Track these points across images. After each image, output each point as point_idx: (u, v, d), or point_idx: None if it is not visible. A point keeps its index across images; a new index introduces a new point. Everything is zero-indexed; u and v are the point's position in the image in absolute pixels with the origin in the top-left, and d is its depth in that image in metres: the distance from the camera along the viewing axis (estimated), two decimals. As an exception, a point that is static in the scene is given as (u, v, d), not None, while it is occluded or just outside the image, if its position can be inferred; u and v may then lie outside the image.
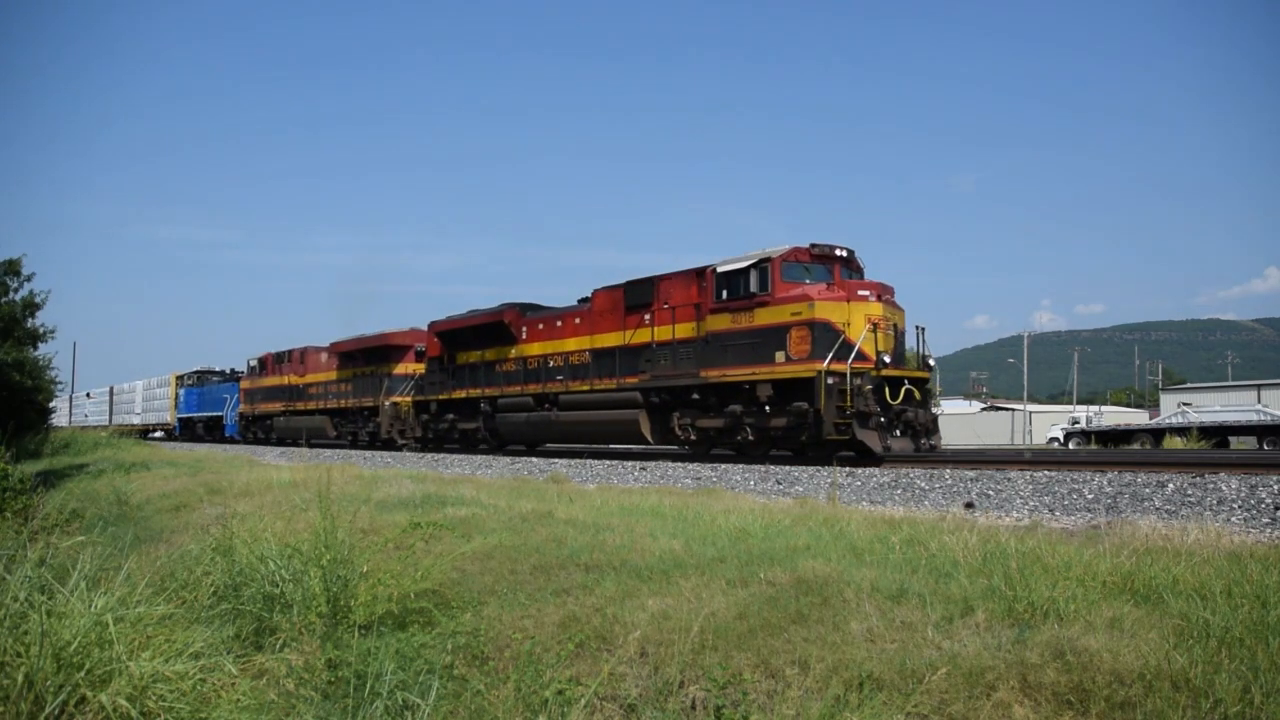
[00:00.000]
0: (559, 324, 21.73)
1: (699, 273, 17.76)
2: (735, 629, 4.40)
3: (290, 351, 36.87)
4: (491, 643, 4.58)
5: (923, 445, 15.76)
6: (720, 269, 17.14)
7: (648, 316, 18.85)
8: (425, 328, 28.13)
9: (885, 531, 6.66)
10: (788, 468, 14.76)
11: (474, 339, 24.49)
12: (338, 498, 7.13)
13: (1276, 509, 8.40)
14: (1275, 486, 9.40)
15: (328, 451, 30.09)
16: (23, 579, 4.23)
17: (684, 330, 17.87)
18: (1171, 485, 10.06)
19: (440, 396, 25.97)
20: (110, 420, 65.27)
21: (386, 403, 29.18)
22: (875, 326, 15.42)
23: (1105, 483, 10.61)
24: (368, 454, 27.10)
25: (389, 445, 29.32)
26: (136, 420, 60.12)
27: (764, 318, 16.30)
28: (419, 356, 28.70)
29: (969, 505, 9.83)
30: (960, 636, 4.03)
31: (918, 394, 15.96)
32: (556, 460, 20.09)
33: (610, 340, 19.84)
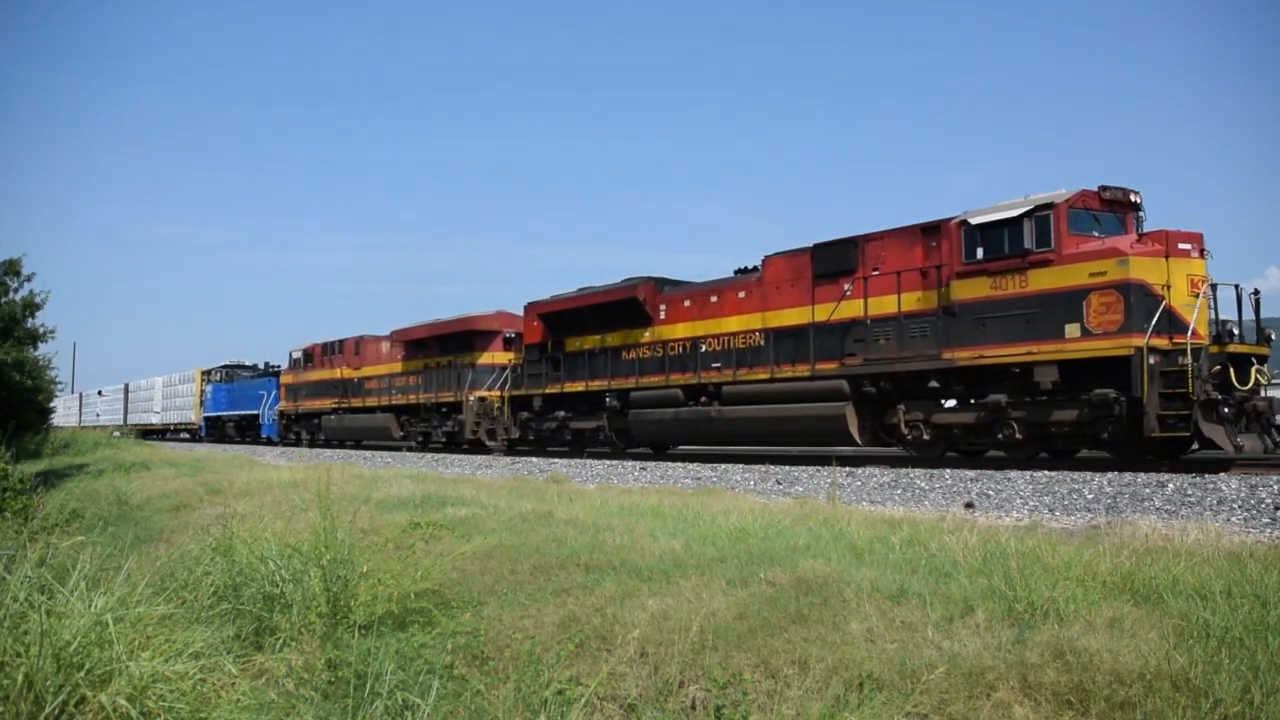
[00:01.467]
0: (713, 300, 17.97)
1: (930, 229, 14.43)
2: (735, 629, 4.39)
3: (342, 341, 32.06)
4: (491, 643, 4.59)
5: (1269, 442, 12.35)
6: (974, 220, 13.68)
7: (849, 286, 15.28)
8: (511, 310, 25.02)
9: (885, 531, 6.66)
10: (787, 468, 14.75)
11: (592, 321, 20.54)
12: (338, 498, 7.13)
13: (1276, 509, 8.39)
14: (1275, 486, 9.40)
15: (327, 452, 30.03)
16: (23, 579, 4.23)
17: (912, 301, 14.43)
18: (1171, 485, 10.06)
19: (545, 390, 21.76)
20: (125, 419, 61.20)
21: (471, 398, 24.45)
22: (1201, 290, 12.23)
23: (1105, 483, 10.61)
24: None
25: (476, 448, 25.14)
26: (155, 419, 55.92)
27: (1045, 281, 12.80)
28: (508, 344, 24.91)
29: (969, 505, 9.82)
30: (960, 636, 4.03)
31: (1265, 377, 12.73)
32: (557, 460, 20.08)
33: (793, 317, 16.27)
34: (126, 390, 63.19)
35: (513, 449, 23.66)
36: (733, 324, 17.46)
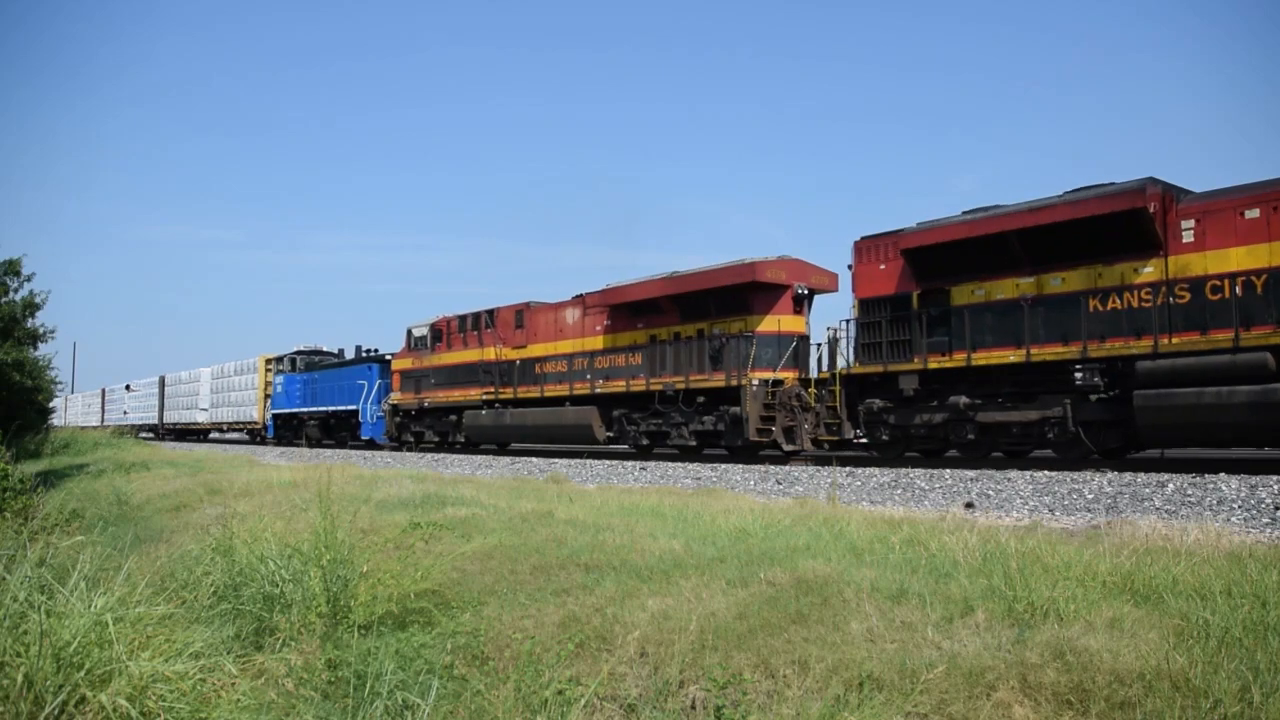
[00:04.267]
0: None
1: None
2: (735, 629, 4.40)
3: (493, 312, 23.91)
4: (491, 643, 4.59)
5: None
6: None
7: None
8: (794, 256, 17.89)
9: (885, 531, 6.66)
10: (787, 468, 14.75)
11: (1021, 253, 13.61)
12: (338, 498, 7.14)
13: (1276, 509, 8.40)
14: (1275, 486, 9.40)
15: (327, 452, 29.86)
16: (23, 579, 4.23)
17: None
18: (1171, 485, 10.07)
19: (917, 365, 14.60)
20: (160, 418, 53.30)
21: (753, 381, 16.71)
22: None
23: (1105, 483, 10.61)
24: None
25: (776, 455, 17.59)
26: (202, 418, 47.26)
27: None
28: (798, 303, 17.84)
29: (969, 505, 9.83)
30: (960, 636, 4.03)
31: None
32: (557, 460, 20.08)
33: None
34: (162, 384, 54.30)
35: (888, 454, 15.44)
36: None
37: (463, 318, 25.32)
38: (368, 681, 3.79)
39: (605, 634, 4.57)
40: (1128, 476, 10.98)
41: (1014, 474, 11.99)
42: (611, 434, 20.31)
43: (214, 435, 49.74)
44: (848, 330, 16.04)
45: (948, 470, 12.90)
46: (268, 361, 40.41)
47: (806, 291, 18.04)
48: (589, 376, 20.57)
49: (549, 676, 3.81)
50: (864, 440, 16.10)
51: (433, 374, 26.10)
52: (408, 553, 5.75)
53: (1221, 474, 10.65)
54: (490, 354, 23.78)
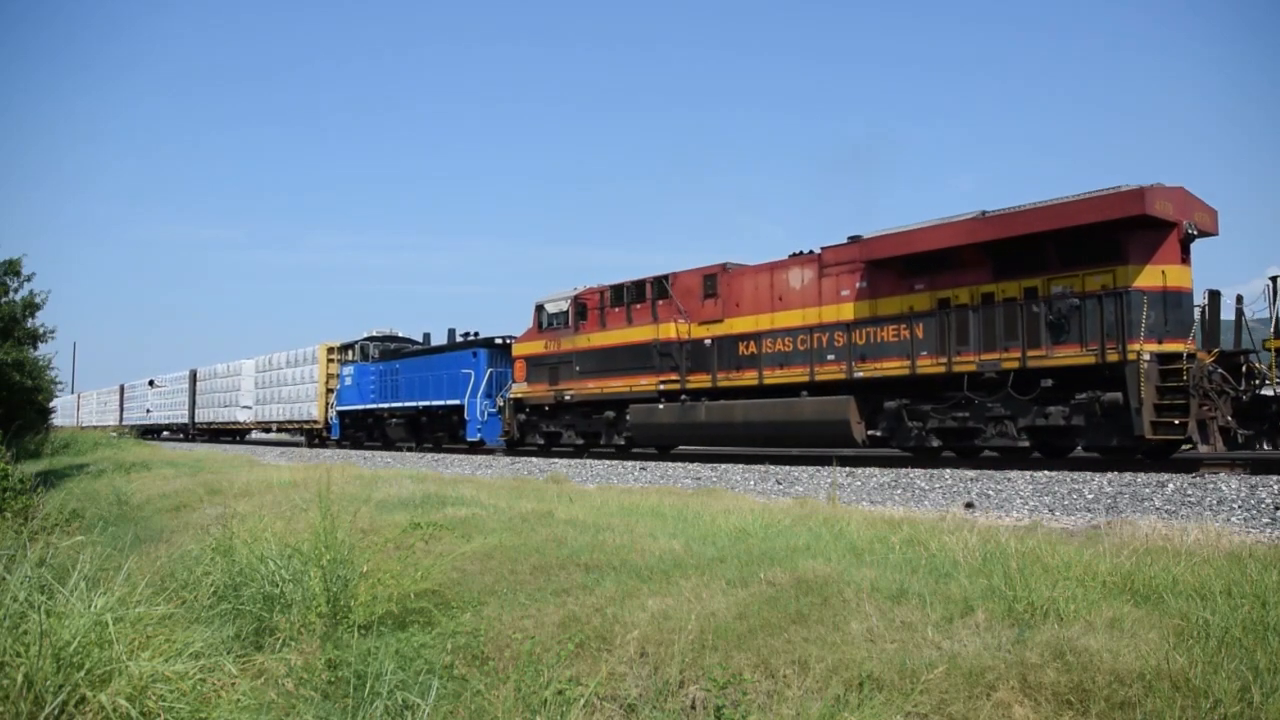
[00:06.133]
0: None
1: None
2: (735, 629, 4.40)
3: (665, 279, 18.89)
4: (491, 643, 4.59)
5: None
6: None
7: None
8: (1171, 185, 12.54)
9: (885, 531, 6.66)
10: (787, 468, 14.75)
11: None
12: (338, 498, 7.14)
13: (1276, 509, 8.40)
14: (1275, 486, 9.40)
15: (327, 452, 29.76)
16: (23, 579, 4.22)
17: None
18: (1171, 485, 10.06)
19: None
20: (191, 417, 48.54)
21: (1143, 356, 11.79)
22: None
23: (1105, 483, 10.61)
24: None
25: (1181, 460, 12.71)
26: (244, 416, 41.95)
27: None
28: (1185, 248, 12.93)
29: (969, 505, 9.83)
30: (960, 636, 4.03)
31: None
32: (557, 460, 20.07)
33: None
34: (193, 379, 48.82)
35: None
36: None
37: (618, 288, 20.02)
38: (368, 681, 3.79)
39: (605, 634, 4.57)
40: (1128, 476, 10.97)
41: (1014, 474, 11.99)
42: (878, 432, 15.16)
43: (256, 436, 44.54)
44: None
45: (948, 470, 12.90)
46: (330, 350, 34.56)
47: (1195, 233, 12.97)
48: (832, 357, 15.40)
49: (549, 676, 3.81)
50: None
51: (577, 359, 20.61)
52: (408, 553, 5.75)
53: (1221, 474, 10.65)
54: (669, 331, 18.40)
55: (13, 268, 23.17)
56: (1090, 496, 9.88)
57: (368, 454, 26.83)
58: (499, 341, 25.37)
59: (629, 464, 17.88)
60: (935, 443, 14.44)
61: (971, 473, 12.43)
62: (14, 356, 23.20)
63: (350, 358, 32.67)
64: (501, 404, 23.55)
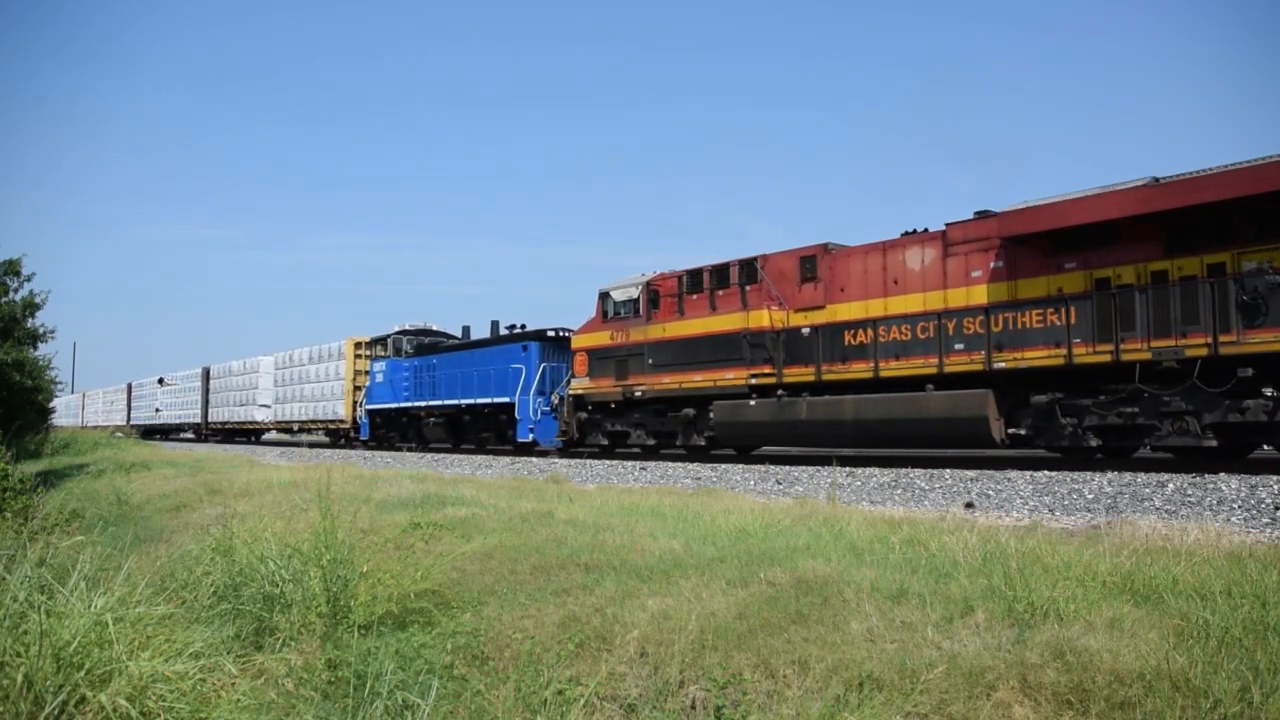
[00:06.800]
0: None
1: None
2: (735, 629, 4.40)
3: (753, 262, 17.11)
4: (491, 643, 4.59)
5: None
6: None
7: None
8: None
9: (885, 531, 6.67)
10: (787, 468, 14.74)
11: None
12: (338, 498, 7.14)
13: (1276, 509, 8.40)
14: (1275, 486, 9.40)
15: (327, 452, 29.78)
16: (23, 579, 4.23)
17: None
18: (1171, 485, 10.06)
19: None
20: (204, 416, 46.87)
21: None
22: None
23: (1105, 483, 10.61)
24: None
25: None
26: (263, 415, 39.92)
27: None
28: None
29: (969, 505, 9.83)
30: (960, 636, 4.03)
31: None
32: (556, 460, 20.07)
33: None
34: (206, 377, 46.93)
35: None
36: None
37: (697, 272, 18.23)
38: (368, 681, 3.79)
39: (605, 634, 4.57)
40: (1128, 476, 10.97)
41: (1014, 474, 11.99)
42: (1021, 430, 13.52)
43: (271, 437, 42.41)
44: None
45: (948, 470, 12.90)
46: (358, 345, 32.60)
47: None
48: (962, 346, 13.75)
49: (549, 676, 3.81)
50: None
51: (650, 351, 18.70)
52: (408, 553, 5.75)
53: (1221, 474, 10.65)
54: (761, 319, 16.58)
55: (13, 268, 23.19)
56: (1090, 496, 9.89)
57: (367, 454, 26.77)
58: (551, 334, 23.48)
59: (629, 464, 17.88)
60: (1093, 442, 12.77)
61: (971, 473, 12.44)
62: (14, 356, 23.23)
63: (381, 353, 30.41)
64: (557, 401, 21.63)
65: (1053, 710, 3.37)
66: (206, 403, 46.62)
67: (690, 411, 18.06)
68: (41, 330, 25.48)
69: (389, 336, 30.18)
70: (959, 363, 13.78)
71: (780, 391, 16.22)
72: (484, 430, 25.17)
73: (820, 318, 15.94)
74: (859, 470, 13.64)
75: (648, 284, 19.13)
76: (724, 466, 15.87)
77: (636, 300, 19.38)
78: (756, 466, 15.25)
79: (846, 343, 15.28)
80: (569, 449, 21.36)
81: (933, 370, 14.04)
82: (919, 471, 12.90)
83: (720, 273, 17.77)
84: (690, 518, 7.95)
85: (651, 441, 19.24)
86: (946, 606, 4.41)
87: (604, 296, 20.14)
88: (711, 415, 17.25)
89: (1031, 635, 3.87)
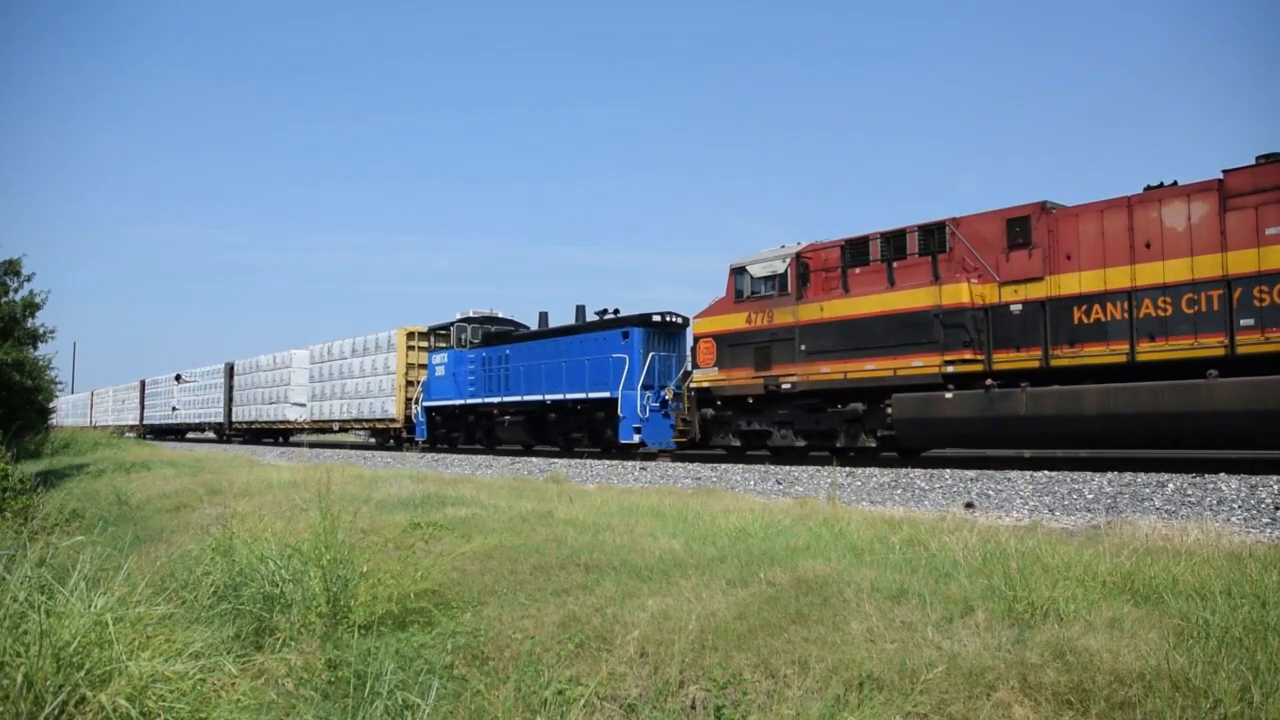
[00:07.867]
0: None
1: None
2: (735, 629, 4.40)
3: (942, 226, 14.33)
4: (491, 643, 4.59)
5: None
6: None
7: None
8: None
9: (885, 531, 6.67)
10: (788, 467, 14.74)
11: None
12: (338, 498, 7.14)
13: (1276, 509, 8.40)
14: (1275, 486, 9.40)
15: (327, 451, 29.78)
16: (23, 579, 4.22)
17: None
18: (1171, 485, 10.06)
19: None
20: (227, 416, 43.58)
21: None
22: None
23: (1105, 483, 10.61)
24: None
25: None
26: (296, 414, 36.66)
27: None
28: None
29: (969, 505, 9.83)
30: (960, 636, 4.03)
31: None
32: (557, 460, 20.06)
33: None
34: (230, 373, 43.49)
35: None
36: None
37: (862, 240, 15.36)
38: (368, 681, 3.79)
39: (605, 634, 4.57)
40: (1128, 476, 10.97)
41: (1014, 474, 11.99)
42: None
43: (304, 437, 39.17)
44: None
45: (948, 470, 12.90)
46: (411, 335, 29.51)
47: None
48: (1250, 322, 11.20)
49: (549, 676, 3.81)
50: None
51: (803, 335, 15.78)
52: (408, 553, 5.75)
53: (1221, 474, 10.65)
54: (959, 294, 13.71)
55: (13, 268, 23.22)
56: (1090, 496, 9.88)
57: (367, 454, 26.75)
58: (657, 319, 20.57)
59: (629, 464, 17.88)
60: None
61: (971, 473, 12.44)
62: (14, 356, 23.26)
63: (443, 344, 27.24)
64: (671, 396, 18.80)
65: (1053, 710, 3.37)
66: (230, 400, 43.40)
67: (859, 406, 15.08)
68: (41, 330, 25.52)
69: (450, 325, 26.89)
70: (1254, 342, 11.11)
71: (990, 381, 13.34)
72: (574, 430, 22.18)
73: (1037, 291, 13.02)
74: (859, 470, 13.64)
75: (797, 256, 16.08)
76: (724, 466, 15.87)
77: (783, 275, 16.26)
78: (756, 466, 15.25)
79: (1077, 321, 12.60)
80: (686, 451, 18.53)
81: (1217, 352, 11.39)
82: (919, 471, 12.90)
83: (895, 240, 14.83)
84: (690, 518, 7.95)
85: (800, 443, 16.16)
86: (946, 606, 4.41)
87: (737, 272, 17.03)
88: (889, 411, 14.37)
89: (1031, 635, 3.87)
